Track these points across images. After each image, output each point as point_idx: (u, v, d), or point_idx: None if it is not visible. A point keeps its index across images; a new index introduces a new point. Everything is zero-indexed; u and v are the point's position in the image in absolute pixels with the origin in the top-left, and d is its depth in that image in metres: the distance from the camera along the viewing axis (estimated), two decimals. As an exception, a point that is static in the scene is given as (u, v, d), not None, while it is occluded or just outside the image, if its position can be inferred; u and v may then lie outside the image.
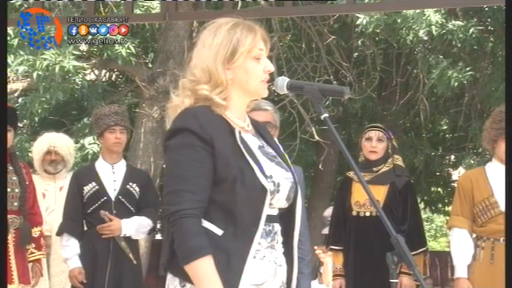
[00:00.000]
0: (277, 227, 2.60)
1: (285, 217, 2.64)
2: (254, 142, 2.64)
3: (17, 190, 5.24)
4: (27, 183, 5.33)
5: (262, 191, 2.50)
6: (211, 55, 2.59)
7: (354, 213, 5.38)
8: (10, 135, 5.15)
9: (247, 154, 2.53)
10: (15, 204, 5.23)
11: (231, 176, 2.49)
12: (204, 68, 2.59)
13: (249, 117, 2.73)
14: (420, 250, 5.30)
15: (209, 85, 2.59)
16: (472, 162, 10.31)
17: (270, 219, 2.57)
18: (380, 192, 5.28)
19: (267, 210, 2.52)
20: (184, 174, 2.48)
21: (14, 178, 5.25)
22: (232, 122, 2.61)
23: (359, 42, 10.57)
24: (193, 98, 2.60)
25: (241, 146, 2.53)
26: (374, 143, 5.43)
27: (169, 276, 2.58)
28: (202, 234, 2.45)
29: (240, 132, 2.58)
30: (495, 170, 5.00)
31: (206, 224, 2.50)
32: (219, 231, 2.49)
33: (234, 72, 2.60)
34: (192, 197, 2.46)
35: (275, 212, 2.60)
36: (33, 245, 5.38)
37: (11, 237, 5.18)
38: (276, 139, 2.75)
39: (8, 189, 5.06)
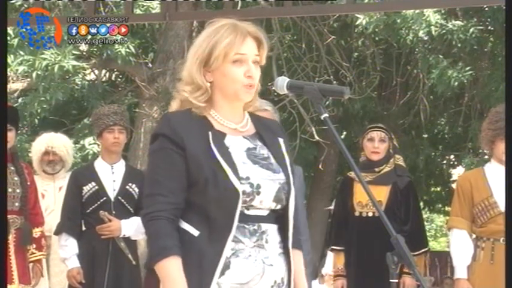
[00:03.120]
0: (265, 226, 2.59)
1: (281, 217, 2.63)
2: (241, 144, 2.62)
3: (18, 190, 5.23)
4: (28, 183, 5.31)
5: (235, 193, 2.51)
6: (192, 57, 2.62)
7: (357, 213, 5.36)
8: (11, 135, 5.15)
9: (221, 156, 2.53)
10: (16, 204, 5.22)
11: (202, 178, 2.51)
12: (188, 69, 2.62)
13: (254, 115, 2.72)
14: (422, 251, 5.28)
15: (191, 87, 2.61)
16: (472, 162, 10.31)
17: (255, 219, 2.57)
18: (382, 193, 5.27)
19: (240, 212, 2.52)
20: (158, 178, 2.54)
21: (16, 178, 5.23)
22: (217, 122, 2.62)
23: (359, 42, 10.59)
24: (179, 100, 2.65)
25: (214, 149, 2.54)
26: (376, 144, 5.40)
27: None
28: (170, 235, 2.49)
29: (218, 135, 2.57)
30: (494, 171, 4.99)
31: (184, 224, 2.54)
32: (195, 232, 2.53)
33: (213, 75, 2.60)
34: (163, 199, 2.51)
35: (263, 213, 2.59)
36: (34, 246, 5.37)
37: (11, 238, 5.17)
38: (281, 139, 2.72)
39: (9, 190, 5.05)
